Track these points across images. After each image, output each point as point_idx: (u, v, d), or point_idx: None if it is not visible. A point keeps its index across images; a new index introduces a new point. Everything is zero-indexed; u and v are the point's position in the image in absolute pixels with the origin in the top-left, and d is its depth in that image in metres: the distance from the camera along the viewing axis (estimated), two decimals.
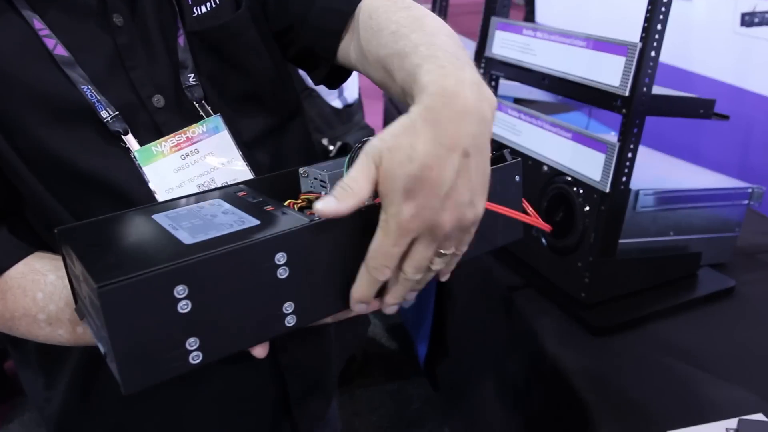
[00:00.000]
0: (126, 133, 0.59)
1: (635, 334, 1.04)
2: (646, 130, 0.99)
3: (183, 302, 0.42)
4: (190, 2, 0.64)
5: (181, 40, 0.63)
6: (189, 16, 0.64)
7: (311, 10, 0.67)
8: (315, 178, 0.59)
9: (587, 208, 1.08)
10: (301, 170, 0.60)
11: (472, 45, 1.47)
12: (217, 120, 0.63)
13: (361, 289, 0.47)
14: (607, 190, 1.02)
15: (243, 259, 0.45)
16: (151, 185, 0.59)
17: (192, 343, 0.43)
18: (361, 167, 0.44)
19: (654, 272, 1.14)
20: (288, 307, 0.48)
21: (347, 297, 0.49)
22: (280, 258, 0.46)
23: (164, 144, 0.60)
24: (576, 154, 1.09)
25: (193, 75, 0.63)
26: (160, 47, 0.62)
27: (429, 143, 0.42)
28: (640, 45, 0.96)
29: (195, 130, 0.61)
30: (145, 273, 0.41)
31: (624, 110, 0.99)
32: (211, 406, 0.68)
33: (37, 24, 0.55)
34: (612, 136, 1.04)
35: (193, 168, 0.60)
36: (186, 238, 0.46)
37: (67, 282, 0.57)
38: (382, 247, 0.44)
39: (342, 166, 0.56)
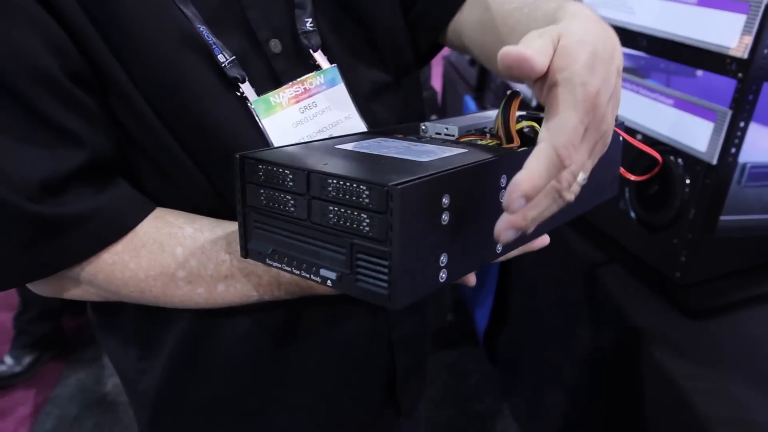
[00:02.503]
0: (243, 81, 0.53)
1: (735, 317, 0.97)
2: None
3: (445, 213, 0.42)
4: None
5: None
6: None
7: None
8: (438, 133, 0.54)
9: (688, 180, 1.00)
10: (422, 125, 0.56)
11: None
12: (334, 71, 0.57)
13: (538, 176, 0.37)
14: (714, 162, 0.95)
15: (486, 173, 0.45)
16: (272, 139, 0.53)
17: (443, 259, 0.43)
18: (540, 40, 0.40)
19: (756, 252, 1.07)
20: None
21: (541, 228, 0.50)
22: (503, 180, 0.47)
23: (282, 94, 0.54)
24: (678, 123, 1.01)
25: (310, 20, 0.56)
26: None
27: (597, 38, 0.42)
28: (765, 1, 0.87)
29: (312, 81, 0.55)
30: (426, 177, 0.40)
31: (740, 74, 0.91)
32: (318, 379, 0.64)
33: None
34: (715, 105, 0.96)
35: (311, 123, 0.54)
36: (415, 158, 0.45)
37: (206, 235, 0.53)
38: (569, 121, 0.38)
39: (463, 122, 0.56)
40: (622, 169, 0.68)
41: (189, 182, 0.54)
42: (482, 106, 2.03)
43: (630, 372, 1.03)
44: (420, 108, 0.69)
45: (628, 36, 1.10)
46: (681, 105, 1.01)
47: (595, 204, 0.64)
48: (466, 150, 0.48)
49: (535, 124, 0.53)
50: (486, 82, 2.10)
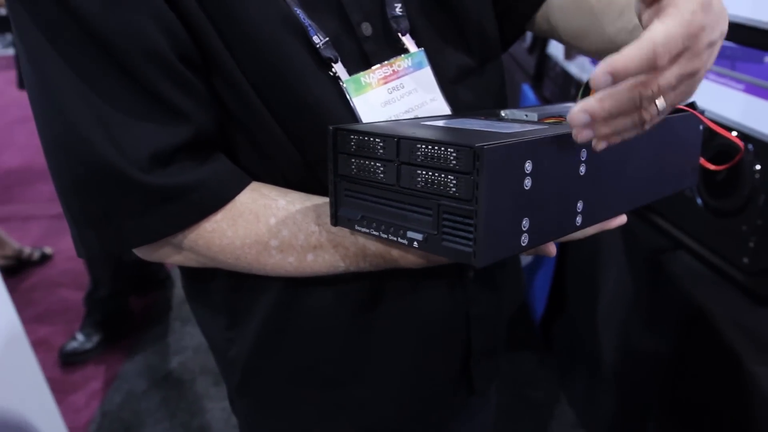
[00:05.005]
0: (336, 61, 0.56)
1: None
2: None
3: (527, 179, 0.44)
4: None
5: None
6: None
7: None
8: (519, 119, 0.56)
9: (758, 166, 0.99)
10: (502, 112, 0.58)
11: None
12: (421, 55, 0.60)
13: (628, 60, 0.38)
14: None
15: (566, 145, 0.47)
16: (362, 117, 0.56)
17: (525, 224, 0.45)
18: None
19: None
20: (579, 205, 0.50)
21: (618, 208, 0.54)
22: (582, 154, 0.49)
23: (372, 75, 0.57)
24: (749, 107, 1.00)
25: (400, 5, 0.59)
26: None
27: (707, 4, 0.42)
28: None
29: (400, 63, 0.58)
30: (511, 141, 0.42)
31: None
32: (397, 353, 0.67)
33: None
34: None
35: (399, 103, 0.57)
36: (499, 130, 0.47)
37: (298, 207, 0.56)
38: (673, 29, 0.39)
39: (542, 111, 0.58)
40: (702, 159, 0.68)
41: (282, 155, 0.58)
42: (541, 95, 2.02)
43: (697, 359, 1.03)
44: (503, 94, 0.71)
45: None
46: (752, 90, 1.00)
47: (675, 190, 0.66)
48: (547, 126, 0.50)
49: None
50: (545, 70, 2.09)
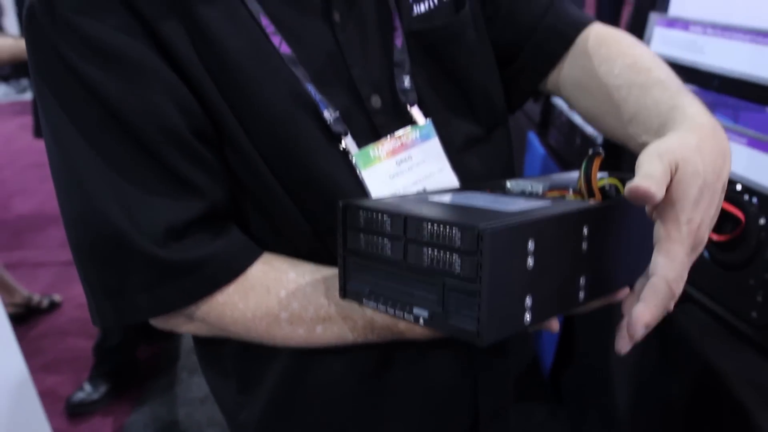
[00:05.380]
0: (346, 134, 0.58)
1: None
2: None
3: (530, 258, 0.45)
4: (410, 1, 0.63)
5: (399, 41, 0.61)
6: (407, 16, 0.63)
7: (537, 28, 0.69)
8: (523, 191, 0.57)
9: (763, 220, 0.99)
10: (507, 182, 0.59)
11: None
12: (429, 126, 0.62)
13: (655, 309, 0.46)
14: None
15: (569, 223, 0.49)
16: (371, 191, 0.58)
17: (528, 302, 0.46)
18: (660, 166, 0.45)
19: None
20: (582, 281, 0.51)
21: (620, 282, 0.55)
22: (585, 231, 0.50)
23: (381, 148, 0.59)
24: (752, 161, 1.02)
25: (408, 77, 0.61)
26: (376, 46, 0.61)
27: (708, 166, 0.47)
28: None
29: (409, 135, 0.59)
30: (513, 221, 0.44)
31: None
32: (404, 420, 0.67)
33: (264, 20, 0.56)
34: None
35: (407, 175, 0.59)
36: (503, 207, 0.49)
37: (307, 280, 0.57)
38: (679, 256, 0.45)
39: (546, 182, 0.59)
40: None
41: (293, 226, 0.59)
42: (546, 143, 2.05)
43: (707, 415, 1.02)
44: (510, 161, 0.73)
45: (698, 76, 1.11)
46: (755, 143, 1.01)
47: None
48: (550, 202, 0.51)
49: (616, 182, 0.56)
50: (550, 118, 2.11)
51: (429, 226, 0.45)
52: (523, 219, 0.45)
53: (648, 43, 1.22)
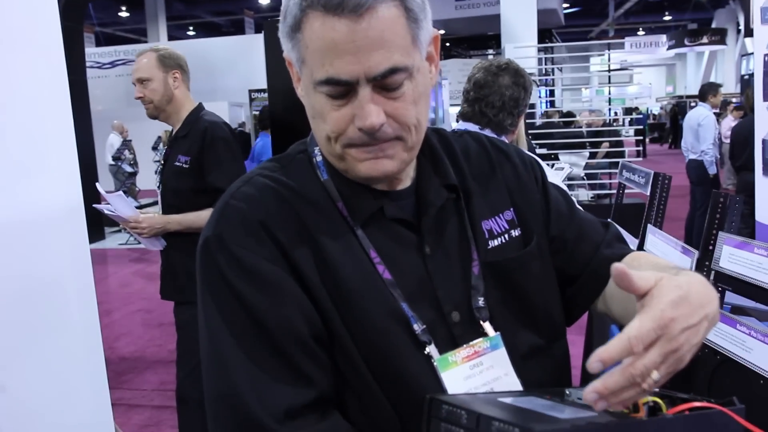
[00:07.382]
0: (430, 343, 0.73)
1: None
2: None
3: None
4: (486, 236, 0.80)
5: (476, 269, 0.78)
6: (483, 249, 0.80)
7: (592, 260, 0.86)
8: (579, 398, 0.68)
9: None
10: (567, 390, 0.70)
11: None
12: (497, 338, 0.76)
13: (613, 351, 0.55)
14: None
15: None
16: (448, 389, 0.71)
17: None
18: (649, 273, 0.60)
19: None
20: None
21: None
22: None
23: (458, 354, 0.73)
24: None
25: (482, 298, 0.77)
26: (457, 272, 0.78)
27: (693, 288, 0.61)
28: None
29: (481, 345, 0.74)
30: (560, 428, 0.56)
31: None
32: None
33: (372, 253, 0.74)
34: None
35: (478, 378, 0.72)
36: (556, 414, 0.60)
37: None
38: (644, 324, 0.56)
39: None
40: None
41: (381, 414, 0.73)
42: None
43: None
44: (567, 368, 0.86)
45: (760, 293, 1.19)
46: None
47: None
48: (598, 414, 0.62)
49: (659, 400, 0.65)
50: None
51: (496, 423, 0.57)
52: (568, 425, 0.56)
53: (717, 258, 1.33)
